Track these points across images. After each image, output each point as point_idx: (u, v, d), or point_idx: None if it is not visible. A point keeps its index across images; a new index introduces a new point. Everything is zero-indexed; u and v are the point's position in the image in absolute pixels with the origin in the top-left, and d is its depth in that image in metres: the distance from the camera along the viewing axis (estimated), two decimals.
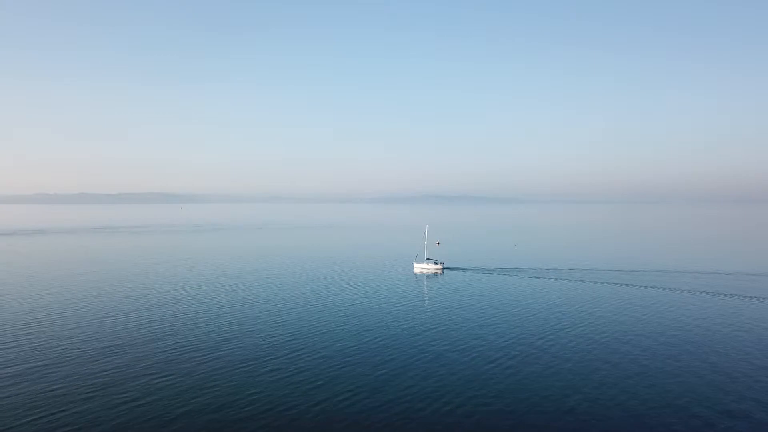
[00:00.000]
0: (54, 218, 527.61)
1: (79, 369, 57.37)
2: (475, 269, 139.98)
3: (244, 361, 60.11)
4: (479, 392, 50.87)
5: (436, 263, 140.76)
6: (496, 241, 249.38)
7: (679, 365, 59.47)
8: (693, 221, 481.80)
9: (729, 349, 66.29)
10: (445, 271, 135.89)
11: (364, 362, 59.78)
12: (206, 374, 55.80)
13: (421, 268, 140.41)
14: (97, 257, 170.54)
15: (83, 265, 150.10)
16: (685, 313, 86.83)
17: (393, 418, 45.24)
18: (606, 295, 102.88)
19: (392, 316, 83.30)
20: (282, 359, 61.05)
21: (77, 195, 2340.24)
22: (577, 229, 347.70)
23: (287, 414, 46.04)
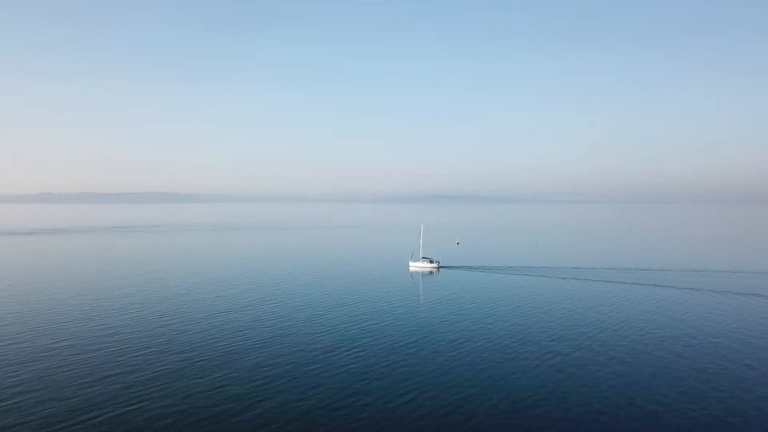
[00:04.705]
0: (66, 218, 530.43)
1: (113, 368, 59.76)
2: (471, 268, 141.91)
3: (237, 360, 62.10)
4: (473, 390, 52.29)
5: (431, 262, 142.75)
6: (493, 240, 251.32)
7: (676, 361, 61.22)
8: (694, 221, 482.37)
9: (742, 346, 68.45)
10: (441, 270, 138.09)
11: (357, 360, 61.35)
12: (196, 371, 57.86)
13: (416, 266, 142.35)
14: (129, 256, 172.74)
15: (118, 263, 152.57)
16: (684, 309, 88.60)
17: (386, 417, 46.91)
18: (605, 293, 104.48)
19: (386, 315, 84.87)
20: (276, 357, 62.98)
21: (80, 194, 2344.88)
22: (577, 229, 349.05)
23: (279, 412, 47.88)
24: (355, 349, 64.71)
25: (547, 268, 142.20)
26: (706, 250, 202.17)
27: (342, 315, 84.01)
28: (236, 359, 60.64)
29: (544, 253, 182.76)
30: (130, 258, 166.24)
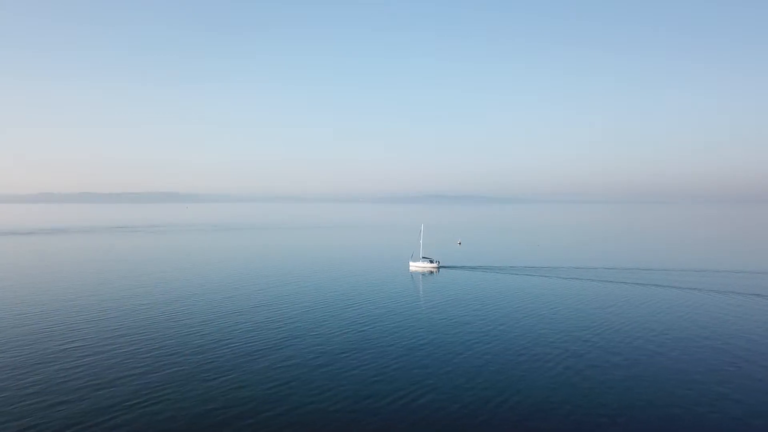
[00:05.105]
0: (67, 218, 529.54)
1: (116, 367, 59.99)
2: (471, 268, 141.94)
3: (235, 361, 62.00)
4: (489, 392, 52.05)
5: (431, 262, 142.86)
6: (494, 240, 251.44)
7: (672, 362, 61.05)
8: (694, 221, 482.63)
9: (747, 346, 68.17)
10: (441, 270, 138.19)
11: (368, 362, 61.26)
12: (198, 372, 57.71)
13: (416, 266, 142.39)
14: (132, 257, 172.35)
15: (122, 264, 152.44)
16: (693, 310, 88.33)
17: (386, 418, 46.84)
18: (610, 294, 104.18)
19: (387, 315, 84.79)
20: (287, 359, 62.88)
21: (80, 194, 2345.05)
22: (578, 229, 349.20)
23: (278, 414, 47.75)
24: (365, 351, 64.50)
25: (548, 268, 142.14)
26: (709, 250, 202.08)
27: (348, 317, 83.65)
28: (248, 362, 60.37)
29: (545, 253, 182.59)
30: (133, 258, 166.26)
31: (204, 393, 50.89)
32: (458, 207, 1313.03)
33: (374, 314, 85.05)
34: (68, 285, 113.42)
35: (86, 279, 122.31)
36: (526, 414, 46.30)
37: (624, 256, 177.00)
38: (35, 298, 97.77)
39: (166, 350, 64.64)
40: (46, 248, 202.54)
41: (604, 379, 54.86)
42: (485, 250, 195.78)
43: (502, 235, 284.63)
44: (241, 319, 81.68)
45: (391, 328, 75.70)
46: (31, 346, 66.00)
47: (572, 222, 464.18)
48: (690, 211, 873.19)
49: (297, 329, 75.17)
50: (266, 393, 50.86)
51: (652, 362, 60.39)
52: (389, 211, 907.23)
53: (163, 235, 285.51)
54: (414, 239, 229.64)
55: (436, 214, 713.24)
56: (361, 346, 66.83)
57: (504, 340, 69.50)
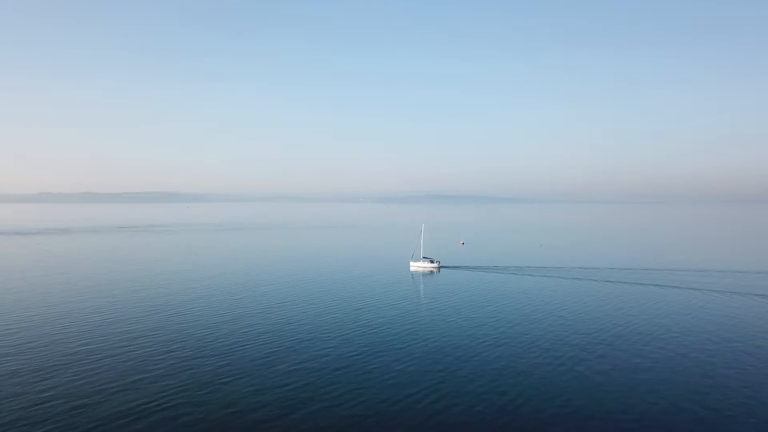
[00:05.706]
0: (68, 217, 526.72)
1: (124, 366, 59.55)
2: (471, 268, 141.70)
3: (252, 364, 61.59)
4: (494, 393, 51.91)
5: (432, 262, 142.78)
6: (494, 240, 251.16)
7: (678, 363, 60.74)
8: (695, 221, 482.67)
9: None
10: (441, 270, 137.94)
11: (373, 363, 60.94)
12: (216, 375, 57.37)
13: (417, 266, 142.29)
14: (137, 257, 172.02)
15: (128, 264, 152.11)
16: (691, 309, 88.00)
17: (386, 418, 46.48)
18: (618, 294, 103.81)
19: (388, 315, 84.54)
20: (291, 360, 62.48)
21: (81, 194, 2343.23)
22: (578, 229, 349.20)
23: (300, 418, 47.37)
24: (380, 353, 64.14)
25: (551, 268, 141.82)
26: (712, 250, 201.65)
27: (357, 318, 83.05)
28: (264, 364, 59.98)
29: (547, 253, 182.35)
30: (141, 259, 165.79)
31: (224, 396, 50.49)
32: (459, 207, 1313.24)
33: (383, 315, 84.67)
34: (78, 286, 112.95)
35: (96, 280, 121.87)
36: (550, 416, 45.90)
37: (626, 255, 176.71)
38: (46, 300, 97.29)
39: (182, 353, 64.24)
40: (52, 249, 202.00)
41: (627, 380, 54.48)
42: (485, 250, 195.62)
43: (502, 235, 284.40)
44: (254, 320, 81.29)
45: (403, 330, 75.28)
46: (48, 348, 65.58)
47: (573, 222, 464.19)
48: (690, 212, 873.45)
49: (309, 331, 74.75)
50: (285, 396, 50.41)
51: (675, 364, 60.00)
52: (389, 211, 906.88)
53: (167, 235, 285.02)
54: (414, 239, 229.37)
55: (437, 214, 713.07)
56: (376, 348, 66.43)
57: (520, 342, 69.11)
